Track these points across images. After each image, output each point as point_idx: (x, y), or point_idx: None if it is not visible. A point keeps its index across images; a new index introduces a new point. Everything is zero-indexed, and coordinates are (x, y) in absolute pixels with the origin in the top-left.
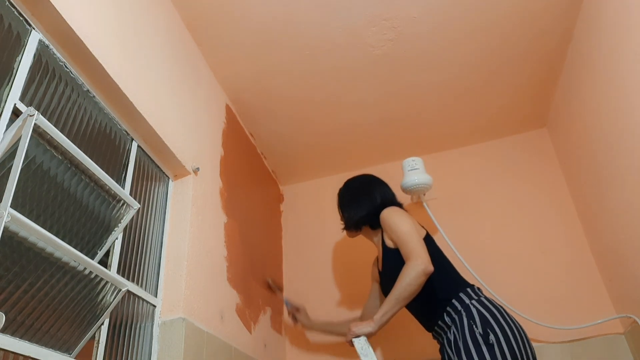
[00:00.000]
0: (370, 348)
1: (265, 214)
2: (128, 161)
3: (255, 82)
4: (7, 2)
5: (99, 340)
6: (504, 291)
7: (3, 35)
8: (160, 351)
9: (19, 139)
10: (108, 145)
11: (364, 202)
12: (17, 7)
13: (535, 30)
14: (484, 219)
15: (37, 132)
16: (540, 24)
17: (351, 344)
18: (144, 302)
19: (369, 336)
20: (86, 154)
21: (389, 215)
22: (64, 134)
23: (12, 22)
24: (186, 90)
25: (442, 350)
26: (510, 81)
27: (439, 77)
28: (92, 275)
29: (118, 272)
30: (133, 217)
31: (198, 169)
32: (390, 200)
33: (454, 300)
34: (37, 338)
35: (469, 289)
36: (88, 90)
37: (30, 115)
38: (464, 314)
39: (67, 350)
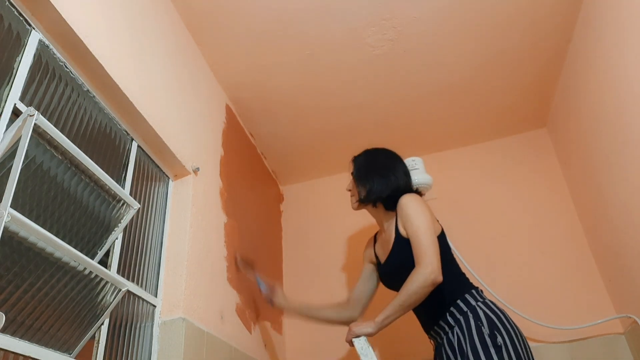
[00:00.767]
0: (370, 348)
1: (265, 214)
2: (128, 161)
3: (256, 82)
4: (7, 2)
5: (99, 340)
6: (504, 291)
7: (3, 35)
8: (160, 351)
9: (19, 139)
10: (108, 145)
11: (390, 179)
12: (17, 7)
13: (535, 30)
14: (483, 219)
15: (37, 132)
16: (540, 24)
17: (351, 343)
18: (144, 302)
19: (369, 336)
20: (86, 154)
21: (410, 203)
22: (64, 134)
23: (12, 22)
24: (186, 90)
25: (438, 351)
26: (510, 81)
27: (439, 77)
28: (92, 275)
29: (118, 272)
30: (133, 217)
31: (198, 169)
32: (410, 185)
33: (459, 301)
34: (37, 338)
35: (473, 291)
36: (88, 90)
37: (30, 115)
38: (470, 315)
39: (67, 350)
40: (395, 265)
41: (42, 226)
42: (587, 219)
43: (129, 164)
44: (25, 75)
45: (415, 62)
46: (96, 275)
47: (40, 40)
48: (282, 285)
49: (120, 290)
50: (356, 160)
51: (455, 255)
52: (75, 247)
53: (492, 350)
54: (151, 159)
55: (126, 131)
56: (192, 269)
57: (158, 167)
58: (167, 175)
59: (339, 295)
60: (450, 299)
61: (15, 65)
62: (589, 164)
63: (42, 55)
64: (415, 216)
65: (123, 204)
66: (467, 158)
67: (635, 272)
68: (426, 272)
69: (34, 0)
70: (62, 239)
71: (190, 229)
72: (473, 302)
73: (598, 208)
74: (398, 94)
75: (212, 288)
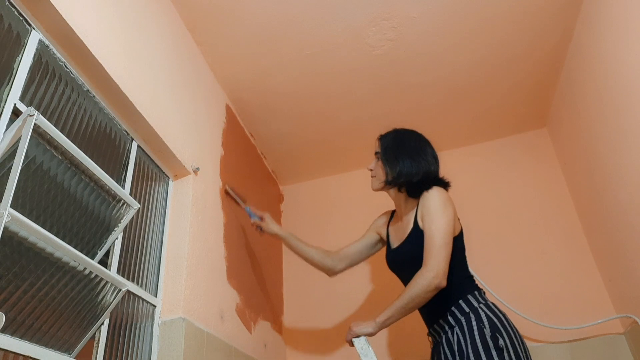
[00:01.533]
0: (370, 348)
1: None
2: (128, 161)
3: (255, 82)
4: (7, 2)
5: (99, 340)
6: (504, 291)
7: (3, 35)
8: (160, 351)
9: (19, 139)
10: (108, 145)
11: (421, 162)
12: (17, 7)
13: (535, 31)
14: (484, 219)
15: (37, 132)
16: (540, 24)
17: (351, 343)
18: (144, 302)
19: (369, 336)
20: (86, 154)
21: (437, 198)
22: (64, 134)
23: (12, 22)
24: (186, 90)
25: (436, 349)
26: (510, 81)
27: (439, 77)
28: (92, 275)
29: (118, 272)
30: (133, 217)
31: (198, 169)
32: (438, 171)
33: (461, 301)
34: (37, 338)
35: (476, 292)
36: (88, 90)
37: (30, 115)
38: (472, 316)
39: (67, 350)
40: (407, 255)
41: (42, 226)
42: (587, 218)
43: (129, 164)
44: (25, 75)
45: (415, 62)
46: (96, 275)
47: (40, 40)
48: (282, 286)
49: (120, 290)
50: (384, 138)
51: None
52: (75, 247)
53: (494, 353)
54: (151, 159)
55: (126, 131)
56: (192, 269)
57: (158, 167)
58: (167, 175)
59: (339, 295)
60: (452, 299)
61: (15, 65)
62: (589, 163)
63: (42, 55)
64: (437, 214)
65: (123, 204)
66: (467, 158)
67: (635, 272)
68: (430, 276)
69: (34, 0)
70: (62, 239)
71: (190, 229)
72: (475, 304)
73: (598, 208)
74: (398, 94)
75: (212, 288)
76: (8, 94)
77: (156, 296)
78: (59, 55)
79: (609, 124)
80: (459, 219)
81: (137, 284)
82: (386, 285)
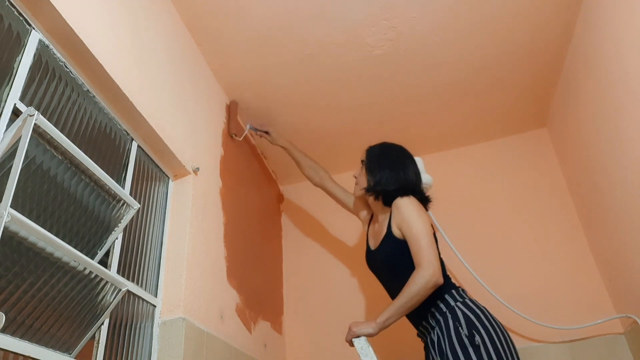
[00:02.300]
0: (371, 348)
1: (265, 214)
2: (128, 161)
3: (255, 82)
4: (7, 2)
5: (99, 340)
6: (504, 291)
7: (3, 35)
8: (160, 351)
9: (19, 139)
10: (108, 145)
11: (398, 174)
12: (17, 7)
13: (535, 30)
14: (484, 219)
15: (37, 132)
16: (540, 24)
17: (351, 344)
18: (144, 302)
19: (369, 337)
20: (86, 154)
21: (407, 205)
22: (64, 134)
23: (12, 22)
24: (186, 90)
25: (426, 350)
26: (510, 81)
27: (439, 77)
28: (92, 275)
29: (118, 272)
30: (133, 217)
31: (198, 169)
32: (419, 187)
33: (439, 302)
34: (37, 338)
35: (453, 291)
36: (88, 90)
37: (30, 115)
38: (449, 315)
39: (67, 350)
40: (381, 259)
41: (42, 226)
42: (587, 218)
43: (129, 164)
44: (25, 75)
45: (415, 62)
46: (96, 275)
47: (40, 40)
48: (282, 286)
49: (120, 290)
50: (370, 150)
51: (452, 255)
52: (75, 247)
53: (471, 350)
54: (151, 159)
55: (126, 131)
56: (192, 269)
57: (158, 167)
58: (167, 175)
59: (339, 295)
60: (431, 300)
61: (15, 65)
62: (588, 163)
63: (42, 55)
64: (413, 218)
65: (123, 204)
66: (467, 158)
67: (635, 272)
68: (428, 274)
69: (34, 0)
70: (62, 239)
71: (190, 229)
72: (452, 303)
73: (598, 208)
74: (398, 94)
75: (212, 288)
76: (8, 94)
77: (156, 296)
78: (59, 55)
79: (608, 123)
80: (431, 224)
81: (137, 284)
82: None
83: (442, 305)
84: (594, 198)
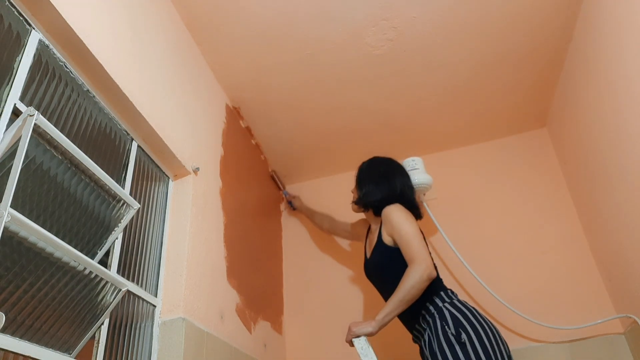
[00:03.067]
0: (371, 348)
1: (265, 214)
2: (128, 161)
3: (256, 82)
4: (7, 2)
5: (99, 340)
6: (504, 291)
7: (3, 35)
8: (160, 351)
9: (19, 139)
10: (108, 145)
11: (383, 186)
12: (17, 7)
13: (536, 31)
14: (484, 219)
15: (37, 132)
16: (541, 24)
17: (351, 344)
18: (144, 302)
19: (369, 336)
20: (86, 154)
21: (393, 212)
22: (64, 134)
23: (12, 22)
24: (186, 90)
25: (421, 353)
26: (510, 81)
27: (439, 77)
28: (92, 275)
29: (118, 272)
30: (133, 217)
31: (198, 169)
32: (408, 196)
33: (428, 304)
34: (37, 338)
35: (442, 293)
36: (88, 90)
37: (30, 115)
38: (437, 316)
39: (67, 350)
40: (375, 265)
41: (42, 226)
42: (587, 218)
43: (129, 164)
44: (25, 75)
45: (415, 62)
46: (96, 275)
47: (40, 40)
48: (282, 286)
49: (120, 290)
50: (361, 165)
51: (452, 255)
52: (75, 247)
53: (457, 347)
54: (151, 159)
55: (126, 131)
56: (192, 269)
57: (158, 167)
58: (167, 175)
59: (339, 295)
60: (421, 303)
61: (15, 65)
62: (588, 163)
63: (42, 55)
64: (400, 222)
65: (123, 204)
66: (467, 158)
67: (635, 272)
68: (421, 268)
69: (34, 0)
70: (62, 239)
71: (190, 229)
72: (440, 304)
73: (598, 208)
74: (398, 94)
75: (212, 288)
76: (8, 94)
77: (156, 296)
78: (59, 55)
79: (608, 123)
80: (420, 229)
81: (137, 284)
82: None
83: (431, 307)
84: (594, 198)
